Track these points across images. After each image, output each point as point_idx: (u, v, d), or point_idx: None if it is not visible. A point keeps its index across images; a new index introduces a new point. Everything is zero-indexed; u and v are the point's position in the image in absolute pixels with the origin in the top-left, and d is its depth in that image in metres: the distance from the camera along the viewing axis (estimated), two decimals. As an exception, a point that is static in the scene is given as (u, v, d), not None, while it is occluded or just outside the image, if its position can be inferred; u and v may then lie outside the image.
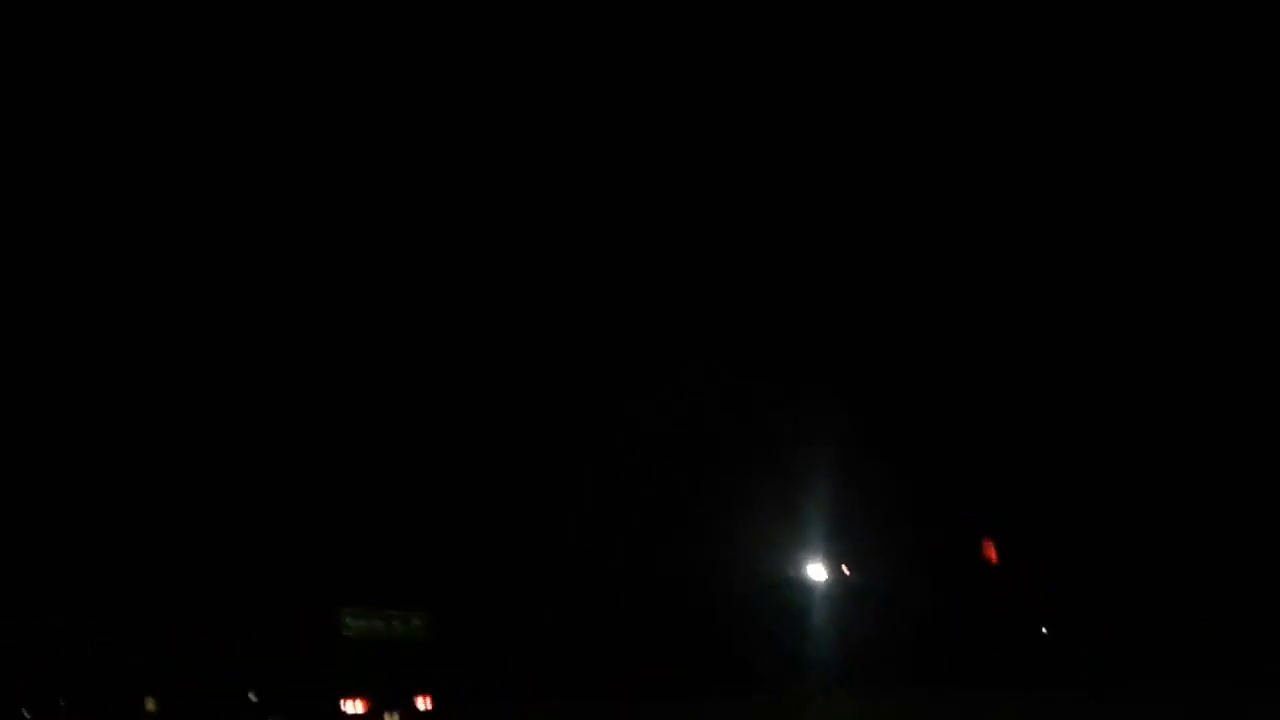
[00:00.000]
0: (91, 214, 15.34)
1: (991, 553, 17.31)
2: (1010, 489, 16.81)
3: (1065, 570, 16.17)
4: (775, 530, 19.54)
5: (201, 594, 14.29)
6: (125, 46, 15.14)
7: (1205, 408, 16.15)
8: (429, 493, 17.16)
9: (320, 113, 15.71)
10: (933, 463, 17.42)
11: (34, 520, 14.58)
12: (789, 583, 19.57)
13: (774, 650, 18.04)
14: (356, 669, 13.17)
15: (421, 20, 15.78)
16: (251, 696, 13.24)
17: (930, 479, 17.39)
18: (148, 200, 15.53)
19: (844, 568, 19.03)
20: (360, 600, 13.62)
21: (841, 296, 17.87)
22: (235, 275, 15.87)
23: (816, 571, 19.81)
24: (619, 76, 16.63)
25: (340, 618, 13.17)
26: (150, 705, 13.59)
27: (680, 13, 16.57)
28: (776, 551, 19.71)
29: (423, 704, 13.90)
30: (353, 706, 13.13)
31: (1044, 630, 16.62)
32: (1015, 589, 16.59)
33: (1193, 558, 15.52)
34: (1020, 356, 17.01)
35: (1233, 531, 15.63)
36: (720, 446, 18.97)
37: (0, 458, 14.61)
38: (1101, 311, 16.69)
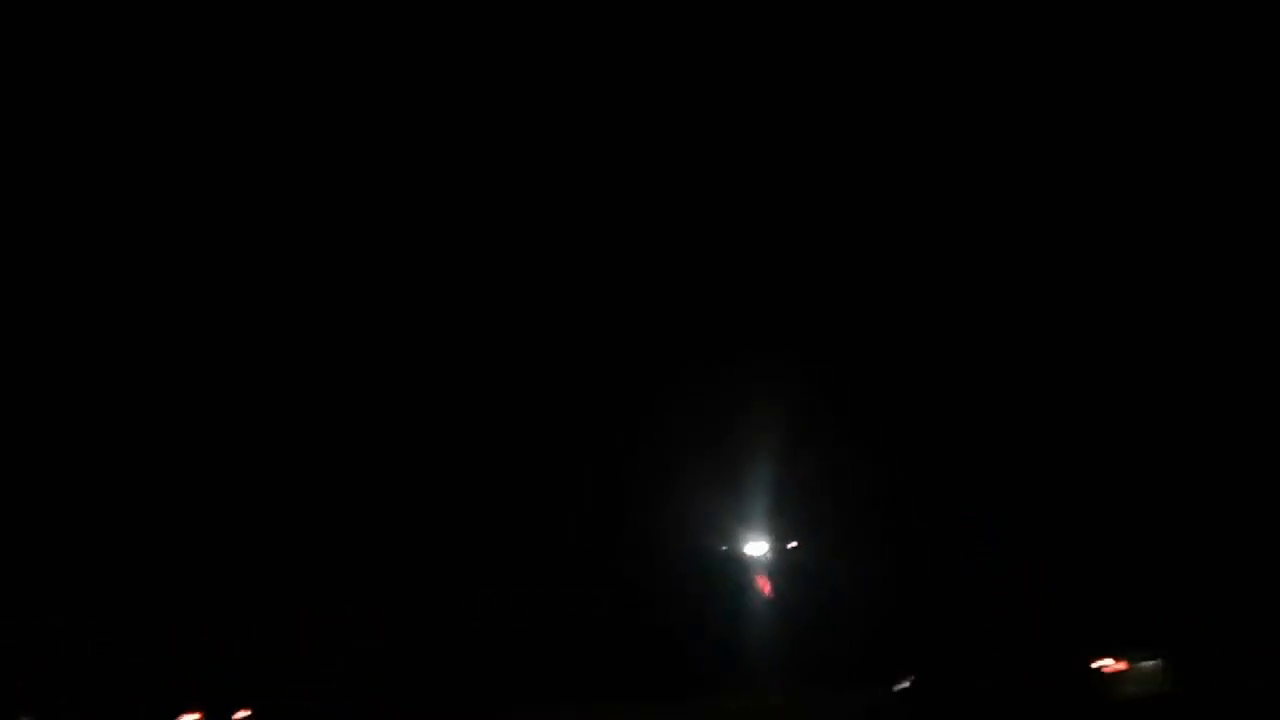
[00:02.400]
0: (90, 213, 15.05)
1: (766, 586, 16.66)
2: (991, 472, 16.13)
3: (1064, 568, 15.48)
4: (708, 502, 17.78)
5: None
6: (124, 44, 14.81)
7: (1205, 392, 15.72)
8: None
9: (320, 112, 15.59)
10: (899, 436, 16.50)
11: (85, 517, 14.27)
12: (723, 559, 18.13)
13: (706, 640, 16.64)
14: None
15: (421, 20, 15.77)
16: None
17: (896, 453, 16.51)
18: (144, 198, 15.29)
19: (789, 544, 17.64)
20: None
21: (800, 253, 16.56)
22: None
23: (756, 547, 18.25)
24: (616, 76, 16.78)
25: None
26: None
27: (661, 11, 16.74)
28: (709, 525, 18.09)
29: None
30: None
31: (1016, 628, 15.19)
32: (1013, 588, 15.60)
33: (1192, 555, 15.17)
34: (1004, 328, 16.22)
35: (1232, 531, 15.29)
36: (648, 412, 18.11)
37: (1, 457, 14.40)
38: (1103, 280, 16.08)
